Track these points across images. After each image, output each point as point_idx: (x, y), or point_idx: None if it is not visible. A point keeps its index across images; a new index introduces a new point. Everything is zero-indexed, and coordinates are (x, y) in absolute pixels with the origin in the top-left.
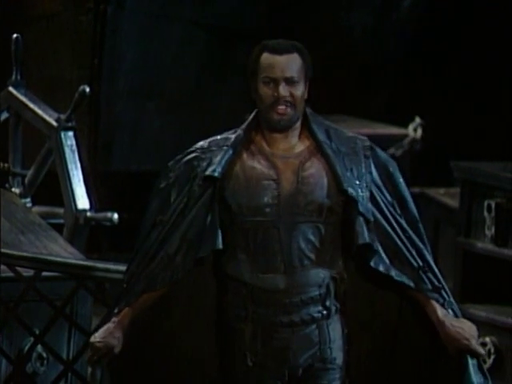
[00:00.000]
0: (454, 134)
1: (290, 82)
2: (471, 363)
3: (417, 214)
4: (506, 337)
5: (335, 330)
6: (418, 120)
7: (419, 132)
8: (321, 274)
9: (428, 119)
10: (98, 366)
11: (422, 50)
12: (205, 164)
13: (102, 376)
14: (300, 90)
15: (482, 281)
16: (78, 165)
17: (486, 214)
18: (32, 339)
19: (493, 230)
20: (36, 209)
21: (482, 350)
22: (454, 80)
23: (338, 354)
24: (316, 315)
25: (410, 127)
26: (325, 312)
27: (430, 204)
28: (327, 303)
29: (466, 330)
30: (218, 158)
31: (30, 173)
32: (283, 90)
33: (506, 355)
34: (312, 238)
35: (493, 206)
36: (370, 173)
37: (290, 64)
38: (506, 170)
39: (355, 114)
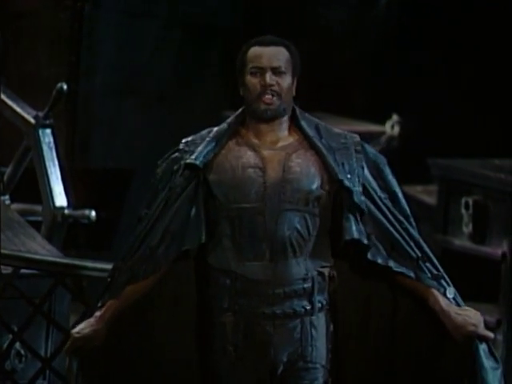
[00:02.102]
0: (432, 131)
1: (276, 72)
2: (481, 348)
3: (408, 209)
4: None
5: (318, 327)
6: (395, 117)
7: (396, 129)
8: (305, 266)
9: (405, 116)
10: (74, 357)
11: (400, 47)
12: (188, 156)
13: (78, 368)
14: (286, 81)
15: (459, 278)
16: (56, 162)
17: (463, 211)
18: (10, 336)
19: (470, 227)
20: (14, 206)
21: (490, 334)
22: (431, 77)
23: (320, 352)
24: (299, 309)
25: (387, 124)
26: (308, 308)
27: (407, 201)
28: (312, 298)
29: (472, 316)
30: (201, 147)
31: (8, 170)
32: (270, 78)
33: None
34: (298, 226)
35: (470, 203)
36: (362, 167)
37: (277, 54)
38: (483, 167)
39: (332, 111)
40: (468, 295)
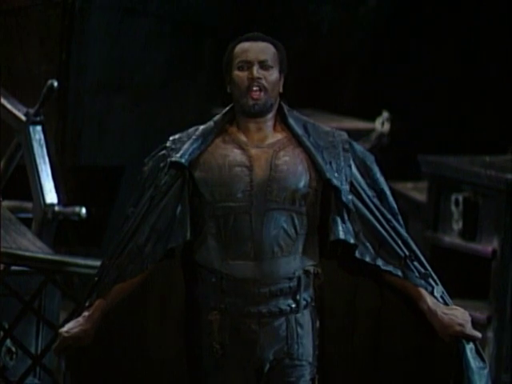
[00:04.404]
0: (422, 128)
1: (263, 65)
2: (468, 348)
3: (396, 207)
4: None
5: (304, 324)
6: (385, 114)
7: (386, 126)
8: (292, 265)
9: (395, 113)
10: (63, 356)
11: (390, 43)
12: (174, 154)
13: (67, 367)
14: (273, 76)
15: (449, 275)
16: (47, 159)
17: (453, 208)
18: (1, 333)
19: (460, 224)
20: (5, 203)
21: (477, 334)
22: (421, 74)
23: (306, 349)
24: (284, 308)
25: (378, 121)
26: (294, 305)
27: (397, 198)
28: (297, 297)
29: (459, 316)
30: (186, 145)
31: None
32: (257, 72)
33: None
34: (284, 225)
35: (460, 200)
36: (350, 166)
37: (264, 49)
38: (473, 163)
39: (322, 108)
40: (458, 292)
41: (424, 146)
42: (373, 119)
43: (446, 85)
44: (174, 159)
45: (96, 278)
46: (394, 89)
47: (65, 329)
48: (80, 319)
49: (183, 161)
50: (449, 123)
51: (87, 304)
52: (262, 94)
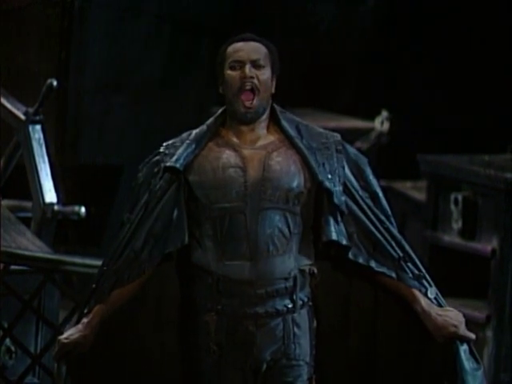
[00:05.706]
0: (421, 127)
1: (255, 64)
2: (462, 349)
3: (389, 209)
4: (472, 330)
5: (301, 324)
6: (384, 113)
7: (386, 125)
8: (287, 265)
9: (394, 113)
10: (63, 362)
11: (388, 43)
12: (168, 159)
13: (67, 373)
14: (266, 75)
15: (448, 274)
16: (46, 158)
17: (452, 207)
18: (1, 333)
19: (460, 223)
20: (4, 202)
21: (471, 335)
22: (420, 73)
23: (303, 349)
24: (281, 308)
25: (377, 121)
26: (290, 306)
27: (396, 198)
28: (294, 297)
29: (453, 317)
30: (180, 150)
31: None
32: (249, 70)
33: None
34: (279, 224)
35: (460, 199)
36: (343, 167)
37: (256, 49)
38: (472, 163)
39: (322, 107)
40: (458, 291)
41: (423, 145)
42: (372, 118)
43: (446, 84)
44: (168, 164)
45: (94, 285)
46: (394, 88)
47: (64, 335)
48: (79, 326)
49: (178, 165)
50: (448, 122)
51: (86, 311)
52: (255, 100)
